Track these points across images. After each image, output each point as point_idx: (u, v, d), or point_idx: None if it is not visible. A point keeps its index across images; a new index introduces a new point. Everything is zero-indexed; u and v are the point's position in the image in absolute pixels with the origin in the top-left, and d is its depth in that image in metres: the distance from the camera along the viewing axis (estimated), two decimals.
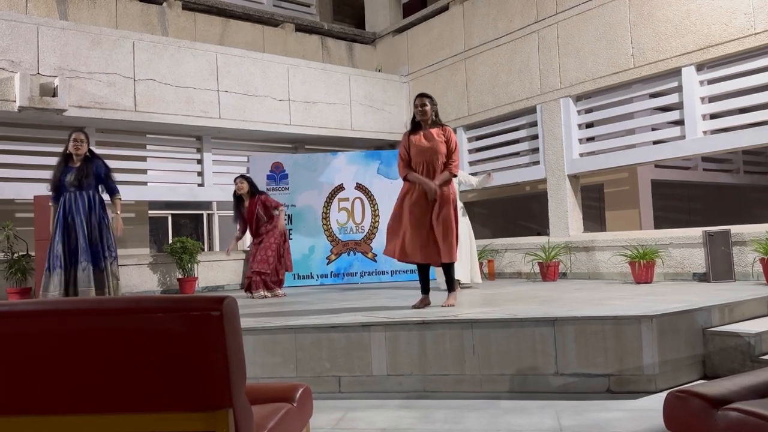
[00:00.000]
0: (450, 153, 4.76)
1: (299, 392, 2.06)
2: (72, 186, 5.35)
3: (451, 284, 4.87)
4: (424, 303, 4.77)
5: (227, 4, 9.59)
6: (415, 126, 4.90)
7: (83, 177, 5.35)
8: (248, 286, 6.89)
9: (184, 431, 1.47)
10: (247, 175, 7.38)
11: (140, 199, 8.88)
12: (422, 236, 4.65)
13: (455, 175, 4.85)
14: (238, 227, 7.12)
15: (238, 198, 6.99)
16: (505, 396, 3.64)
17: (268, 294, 6.78)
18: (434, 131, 4.79)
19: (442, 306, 4.68)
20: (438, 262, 4.75)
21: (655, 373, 3.60)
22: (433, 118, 4.84)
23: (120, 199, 5.64)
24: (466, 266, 6.43)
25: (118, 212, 5.56)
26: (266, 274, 6.79)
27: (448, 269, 4.86)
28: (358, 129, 9.59)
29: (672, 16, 6.69)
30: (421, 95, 4.91)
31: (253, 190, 6.98)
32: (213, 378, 1.45)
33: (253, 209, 6.90)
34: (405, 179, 4.83)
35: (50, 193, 5.57)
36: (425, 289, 4.86)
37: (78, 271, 5.27)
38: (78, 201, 5.33)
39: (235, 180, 7.02)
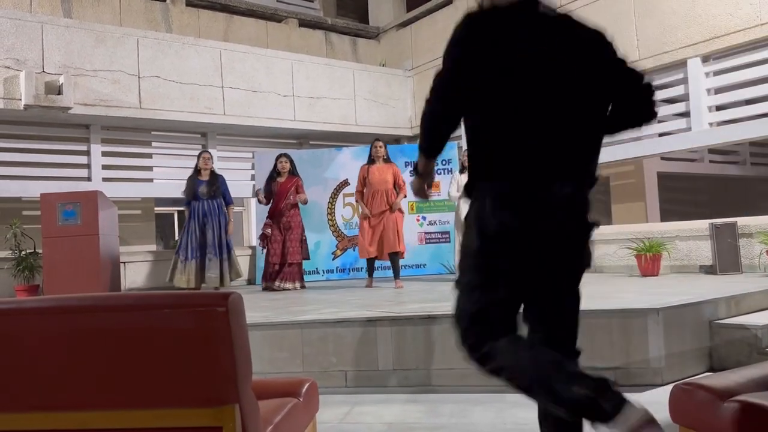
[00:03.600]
0: (400, 184, 6.60)
1: (305, 387, 2.06)
2: (205, 195, 6.78)
3: (397, 272, 6.57)
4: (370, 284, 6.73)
5: (231, 0, 9.59)
6: (370, 161, 6.72)
7: (216, 189, 6.83)
8: (275, 276, 6.97)
9: (190, 426, 1.48)
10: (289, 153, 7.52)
11: (146, 195, 8.91)
12: (377, 236, 6.51)
13: (405, 196, 6.68)
14: (262, 196, 7.31)
15: (273, 174, 7.26)
16: (510, 390, 3.63)
17: (297, 286, 6.99)
18: (385, 166, 6.67)
19: (395, 288, 6.24)
20: (392, 248, 6.46)
21: (662, 366, 3.59)
22: (385, 156, 6.70)
23: (234, 208, 7.07)
24: None
25: (231, 218, 7.00)
26: (298, 264, 7.07)
27: (396, 260, 6.53)
28: (363, 124, 9.58)
29: (677, 8, 6.64)
30: (378, 140, 6.78)
31: (293, 170, 7.27)
32: (219, 373, 1.46)
33: (287, 187, 7.12)
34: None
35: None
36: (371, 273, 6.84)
37: (206, 260, 6.64)
38: (212, 207, 6.78)
39: (279, 157, 7.32)
